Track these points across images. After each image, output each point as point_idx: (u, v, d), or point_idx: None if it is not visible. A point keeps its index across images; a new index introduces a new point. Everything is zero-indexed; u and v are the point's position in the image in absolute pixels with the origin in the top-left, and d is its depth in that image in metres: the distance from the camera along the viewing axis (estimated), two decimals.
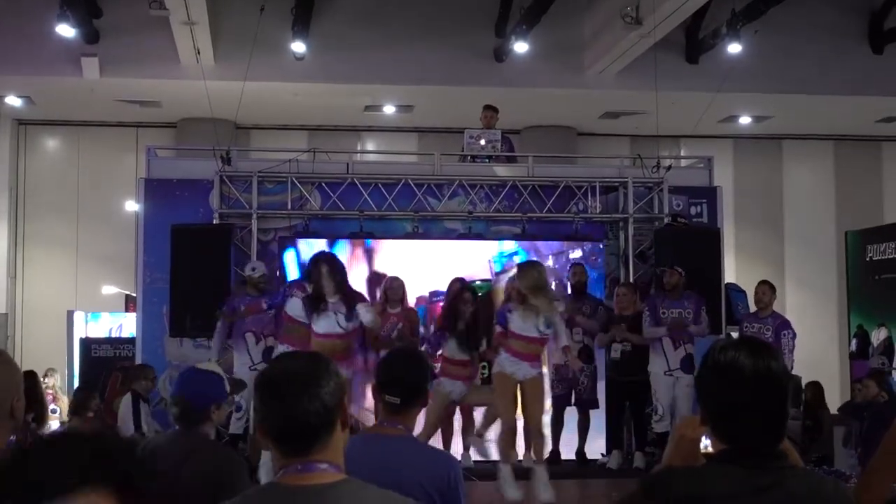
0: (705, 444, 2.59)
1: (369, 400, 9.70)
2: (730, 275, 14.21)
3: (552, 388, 10.76)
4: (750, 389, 2.40)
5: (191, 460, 4.09)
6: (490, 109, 12.74)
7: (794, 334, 10.62)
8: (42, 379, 13.28)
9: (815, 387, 13.22)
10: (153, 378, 10.33)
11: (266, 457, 8.85)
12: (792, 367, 10.81)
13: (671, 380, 10.26)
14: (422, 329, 10.51)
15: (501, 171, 12.14)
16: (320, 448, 2.44)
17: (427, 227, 11.61)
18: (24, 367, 13.03)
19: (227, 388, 4.38)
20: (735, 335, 10.52)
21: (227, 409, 4.44)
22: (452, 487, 3.71)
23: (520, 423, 9.24)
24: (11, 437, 2.95)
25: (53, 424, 13.53)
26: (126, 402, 10.25)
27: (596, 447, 10.97)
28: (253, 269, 10.35)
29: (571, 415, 10.95)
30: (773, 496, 2.35)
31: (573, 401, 10.90)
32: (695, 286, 10.60)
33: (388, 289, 10.36)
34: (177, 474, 4.06)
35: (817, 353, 17.65)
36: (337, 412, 2.48)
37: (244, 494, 2.56)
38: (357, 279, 10.58)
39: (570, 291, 11.11)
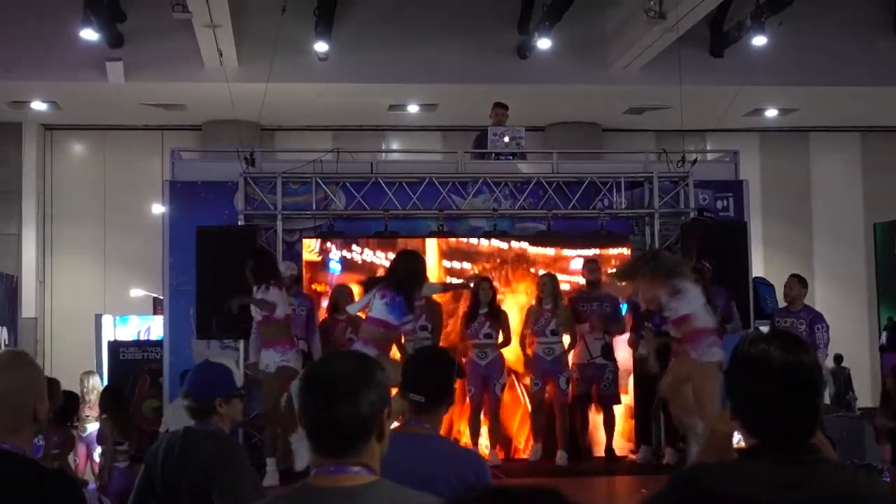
0: (738, 438, 2.56)
1: None
2: (758, 268, 14.13)
3: (577, 385, 10.74)
4: (780, 382, 2.37)
5: (193, 451, 4.12)
6: (500, 107, 12.69)
7: (828, 328, 10.55)
8: (80, 382, 13.37)
9: None
10: None
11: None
12: (842, 361, 10.82)
13: None
14: None
15: (526, 168, 12.11)
16: (354, 453, 2.43)
17: (452, 226, 11.58)
18: (55, 371, 13.22)
19: (237, 382, 4.36)
20: (764, 329, 10.45)
21: (239, 403, 4.41)
22: None
23: None
24: (39, 441, 2.95)
25: (90, 427, 13.62)
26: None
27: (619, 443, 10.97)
28: (286, 268, 10.38)
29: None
30: (804, 491, 2.31)
31: (596, 397, 10.87)
32: (722, 280, 10.52)
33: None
34: (182, 467, 4.09)
35: (847, 345, 17.51)
36: (374, 423, 2.46)
37: (276, 494, 2.56)
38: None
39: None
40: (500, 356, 10.55)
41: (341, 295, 10.51)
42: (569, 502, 1.74)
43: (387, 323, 8.60)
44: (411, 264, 8.92)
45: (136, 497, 4.29)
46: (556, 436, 10.55)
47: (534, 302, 10.77)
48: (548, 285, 10.64)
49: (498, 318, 10.56)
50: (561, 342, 10.61)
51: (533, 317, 10.67)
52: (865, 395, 17.94)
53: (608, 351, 10.76)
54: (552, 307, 10.58)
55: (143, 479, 4.28)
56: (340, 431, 2.42)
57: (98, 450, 13.31)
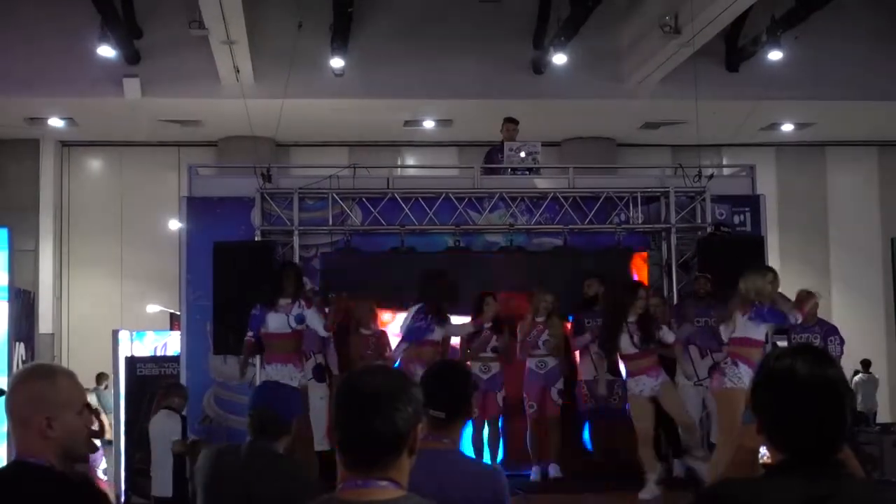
0: (764, 453, 2.54)
1: None
2: None
3: (584, 401, 10.70)
4: (806, 397, 2.35)
5: (267, 475, 4.06)
6: (511, 122, 12.68)
7: (843, 341, 10.55)
8: None
9: None
10: (186, 396, 10.46)
11: None
12: (870, 367, 10.70)
13: (700, 389, 10.18)
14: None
15: (542, 183, 12.10)
16: (382, 468, 2.43)
17: (468, 241, 11.57)
18: None
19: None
20: (780, 344, 10.42)
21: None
22: (499, 501, 3.67)
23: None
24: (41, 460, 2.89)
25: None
26: (162, 418, 10.35)
27: None
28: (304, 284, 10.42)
29: None
30: None
31: (606, 412, 10.82)
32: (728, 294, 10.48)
33: None
34: (254, 489, 4.02)
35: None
36: (407, 439, 2.46)
37: None
38: None
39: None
40: (503, 371, 10.52)
41: (364, 310, 10.53)
42: None
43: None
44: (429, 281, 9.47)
45: None
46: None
47: (528, 316, 10.70)
48: (548, 303, 10.57)
49: (502, 332, 10.53)
50: (553, 355, 10.55)
51: (524, 330, 10.61)
52: (884, 408, 17.84)
53: (614, 366, 10.70)
54: (545, 320, 10.54)
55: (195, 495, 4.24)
56: (375, 447, 2.42)
57: (102, 465, 13.33)
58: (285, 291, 9.76)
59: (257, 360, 10.37)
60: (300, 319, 9.71)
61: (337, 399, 2.50)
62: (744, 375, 8.39)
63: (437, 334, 9.95)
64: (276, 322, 9.74)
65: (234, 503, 4.05)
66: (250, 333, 9.92)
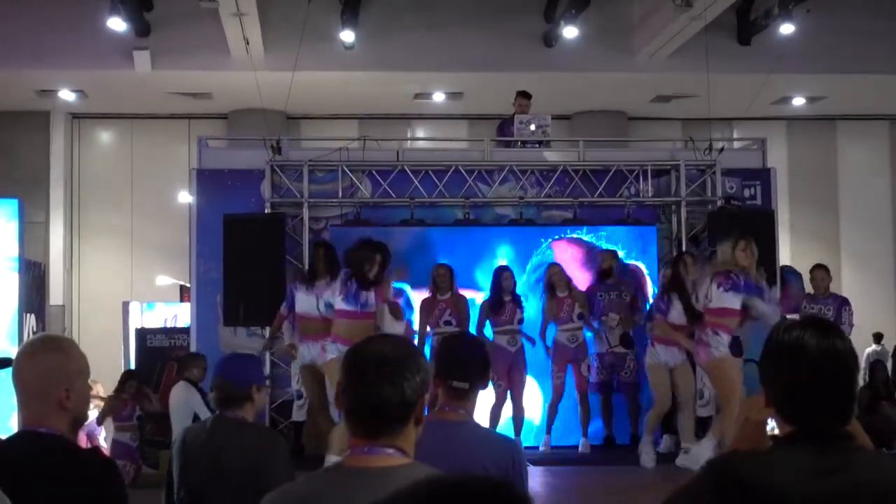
0: (772, 425, 2.55)
1: None
2: (785, 257, 14.10)
3: (597, 374, 10.73)
4: (815, 369, 2.36)
5: (232, 445, 4.11)
6: (524, 97, 12.65)
7: (852, 312, 10.65)
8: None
9: None
10: (204, 367, 10.41)
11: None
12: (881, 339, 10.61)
13: None
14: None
15: (552, 156, 12.10)
16: (389, 436, 2.45)
17: (478, 214, 11.59)
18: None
19: (265, 372, 4.43)
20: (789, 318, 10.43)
21: (267, 393, 4.48)
22: (515, 471, 3.70)
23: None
24: (53, 430, 2.93)
25: (90, 414, 13.73)
26: (181, 389, 10.36)
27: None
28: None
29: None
30: (840, 479, 2.30)
31: (616, 385, 10.87)
32: None
33: (437, 276, 10.46)
34: (220, 460, 4.08)
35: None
36: (414, 408, 2.48)
37: (310, 475, 2.58)
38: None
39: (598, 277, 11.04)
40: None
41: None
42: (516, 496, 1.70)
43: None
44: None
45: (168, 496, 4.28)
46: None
47: (546, 294, 10.69)
48: (559, 274, 10.61)
49: (522, 305, 10.56)
50: (583, 328, 10.60)
51: (553, 307, 10.59)
52: None
53: (627, 340, 10.73)
54: (569, 293, 10.55)
55: (170, 475, 4.28)
56: (381, 414, 2.44)
57: (102, 435, 13.42)
58: (318, 272, 9.58)
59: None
60: (330, 307, 9.30)
61: (345, 367, 2.52)
62: (725, 343, 8.50)
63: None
64: (303, 303, 9.60)
65: (204, 476, 4.09)
66: (284, 307, 9.84)
